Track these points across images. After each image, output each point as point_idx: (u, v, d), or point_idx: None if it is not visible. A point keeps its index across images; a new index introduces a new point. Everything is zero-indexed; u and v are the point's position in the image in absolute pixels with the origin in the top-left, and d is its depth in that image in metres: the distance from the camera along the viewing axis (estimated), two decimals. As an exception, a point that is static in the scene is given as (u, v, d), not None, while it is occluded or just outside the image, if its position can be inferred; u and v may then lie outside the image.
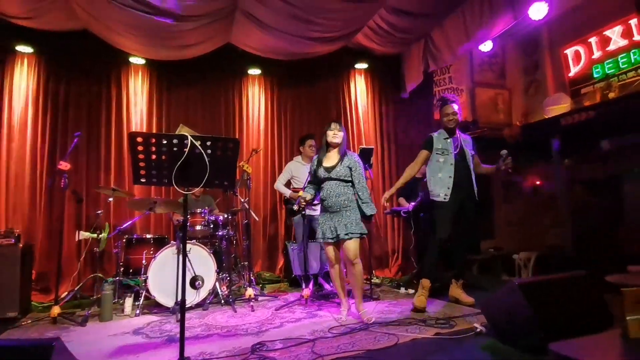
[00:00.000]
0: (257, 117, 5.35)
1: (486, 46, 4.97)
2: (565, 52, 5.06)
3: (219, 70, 5.13)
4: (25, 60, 4.45)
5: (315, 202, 4.20)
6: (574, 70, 4.98)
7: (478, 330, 2.46)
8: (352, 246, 2.85)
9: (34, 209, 4.24)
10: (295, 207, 3.32)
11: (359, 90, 5.65)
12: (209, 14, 3.86)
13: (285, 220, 5.16)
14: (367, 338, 2.46)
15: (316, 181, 3.10)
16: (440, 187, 3.22)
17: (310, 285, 3.80)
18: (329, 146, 3.04)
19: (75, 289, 3.78)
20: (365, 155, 3.83)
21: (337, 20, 4.24)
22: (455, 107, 3.33)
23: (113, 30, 4.10)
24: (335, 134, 3.01)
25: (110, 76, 4.75)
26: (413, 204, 4.24)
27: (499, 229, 6.35)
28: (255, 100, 5.37)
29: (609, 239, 4.13)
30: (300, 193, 3.93)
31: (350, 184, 2.98)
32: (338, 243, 2.94)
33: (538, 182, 6.32)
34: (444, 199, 3.19)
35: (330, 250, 2.98)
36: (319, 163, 3.04)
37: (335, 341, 2.42)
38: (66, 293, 3.86)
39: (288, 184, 4.43)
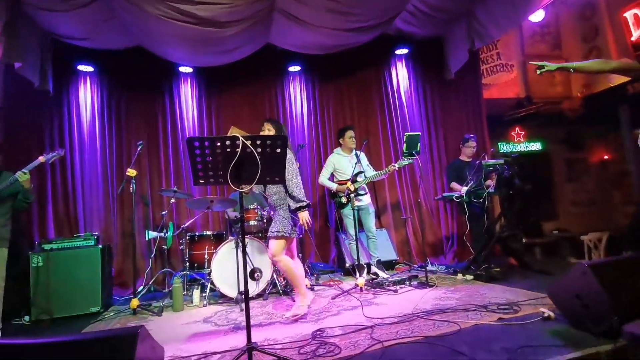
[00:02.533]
0: (301, 113, 5.45)
1: (537, 16, 4.61)
2: (624, 15, 4.59)
3: (260, 70, 5.29)
4: (88, 78, 4.90)
5: (361, 192, 4.23)
6: (635, 34, 4.50)
7: (546, 315, 2.36)
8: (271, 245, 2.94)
9: (109, 213, 4.69)
10: (344, 200, 3.36)
11: (401, 76, 5.54)
12: (248, 17, 3.99)
13: (334, 212, 5.24)
14: (426, 324, 2.46)
15: None
16: None
17: (364, 274, 3.84)
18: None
19: (150, 283, 4.16)
20: (412, 142, 3.77)
21: (374, 9, 4.19)
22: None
23: (163, 43, 4.38)
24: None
25: (163, 86, 5.09)
26: (465, 188, 4.10)
27: (563, 209, 5.96)
28: (297, 97, 5.47)
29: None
30: (347, 185, 3.99)
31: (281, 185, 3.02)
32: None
33: (606, 157, 5.82)
34: None
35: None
36: None
37: (394, 327, 2.44)
38: (142, 287, 4.24)
39: (332, 178, 4.48)
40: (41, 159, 3.16)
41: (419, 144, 3.82)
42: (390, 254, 4.77)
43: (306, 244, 5.08)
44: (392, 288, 3.54)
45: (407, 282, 3.76)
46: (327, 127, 5.45)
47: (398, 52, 5.48)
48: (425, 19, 4.65)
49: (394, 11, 4.44)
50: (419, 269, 4.62)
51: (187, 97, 5.20)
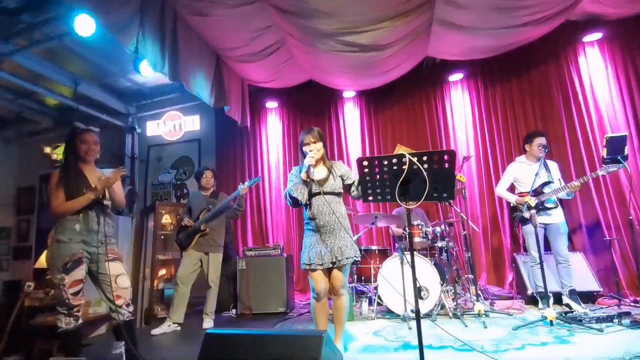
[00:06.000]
0: (464, 123, 5.14)
1: None
2: None
3: (419, 84, 5.27)
4: (273, 112, 5.87)
5: (549, 205, 3.60)
6: None
7: None
8: (345, 273, 2.52)
9: (290, 227, 5.43)
10: (527, 215, 2.94)
11: (592, 67, 4.58)
12: (407, 35, 4.05)
13: (511, 230, 4.66)
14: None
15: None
16: None
17: (551, 305, 3.26)
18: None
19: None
20: (616, 145, 3.06)
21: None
22: None
23: (329, 74, 4.88)
24: (313, 149, 2.56)
25: (330, 111, 5.65)
26: None
27: None
28: (459, 106, 5.19)
29: None
30: (527, 199, 3.51)
31: (341, 198, 2.60)
32: (327, 270, 2.52)
33: None
34: None
35: (319, 278, 2.51)
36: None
37: (603, 376, 1.99)
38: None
39: (512, 190, 3.98)
40: (247, 184, 3.89)
41: (625, 147, 3.06)
42: (589, 284, 3.88)
43: (477, 264, 4.68)
44: (594, 326, 2.89)
45: (617, 321, 2.99)
46: (495, 136, 4.95)
47: (587, 38, 4.56)
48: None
49: (578, -7, 3.76)
50: (634, 304, 3.63)
51: (350, 118, 5.61)
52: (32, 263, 4.69)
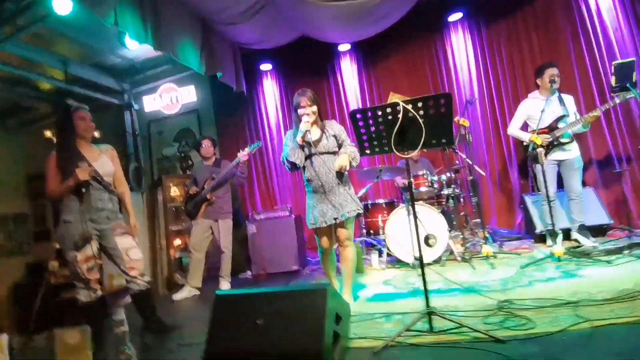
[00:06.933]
0: (467, 66, 4.93)
1: None
2: None
3: (416, 30, 5.02)
4: (269, 75, 5.73)
5: (564, 140, 3.45)
6: None
7: None
8: (349, 227, 2.58)
9: (296, 188, 5.47)
10: (540, 150, 2.83)
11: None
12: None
13: (519, 171, 4.59)
14: (658, 304, 1.92)
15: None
16: None
17: (559, 241, 3.26)
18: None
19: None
20: (624, 71, 2.91)
21: None
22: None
23: (321, 28, 4.66)
24: (308, 112, 2.55)
25: (326, 67, 5.48)
26: None
27: None
28: (462, 48, 4.95)
29: None
30: (533, 137, 3.40)
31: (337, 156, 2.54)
32: (331, 226, 2.55)
33: None
34: None
35: (324, 235, 2.64)
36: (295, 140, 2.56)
37: (607, 306, 2.00)
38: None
39: (525, 128, 3.77)
40: (247, 150, 3.86)
41: (634, 74, 2.90)
42: (600, 217, 3.83)
43: (485, 207, 4.68)
44: (603, 258, 2.90)
45: (626, 252, 2.99)
46: (500, 76, 4.75)
47: (596, -42, 4.20)
48: None
49: None
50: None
51: (348, 73, 5.43)
52: (52, 245, 4.92)
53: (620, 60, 2.93)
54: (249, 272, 4.51)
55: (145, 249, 4.84)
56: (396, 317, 2.34)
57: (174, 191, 5.02)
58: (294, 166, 2.60)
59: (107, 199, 2.54)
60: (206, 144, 4.08)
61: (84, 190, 2.37)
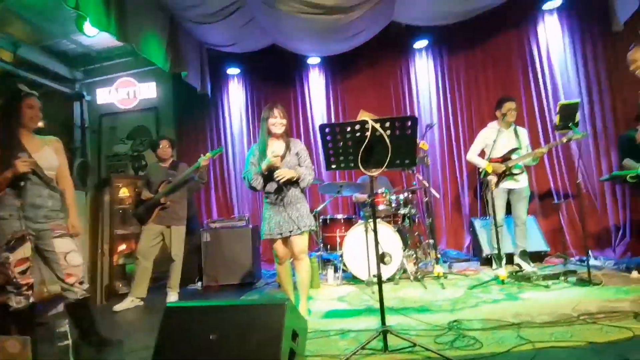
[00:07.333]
0: (428, 91, 5.17)
1: None
2: None
3: (384, 52, 5.21)
4: (235, 79, 5.62)
5: (516, 171, 3.70)
6: None
7: None
8: (301, 241, 2.66)
9: (255, 198, 5.35)
10: (495, 179, 3.00)
11: (551, 34, 4.67)
12: (373, -4, 3.92)
13: (470, 195, 4.85)
14: (591, 329, 2.08)
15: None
16: None
17: (504, 264, 3.47)
18: (270, 135, 2.70)
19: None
20: (568, 112, 3.17)
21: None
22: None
23: (293, 38, 4.68)
24: (278, 123, 2.67)
25: (294, 78, 5.48)
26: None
27: None
28: (424, 73, 5.20)
29: None
30: (486, 165, 3.61)
31: None
32: (286, 238, 2.68)
33: None
34: None
35: (279, 246, 2.75)
36: (262, 152, 2.66)
37: (548, 329, 2.14)
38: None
39: (482, 155, 3.99)
40: (208, 155, 3.70)
41: (577, 114, 3.19)
42: (539, 244, 4.15)
43: (437, 228, 4.86)
44: (542, 283, 3.11)
45: (562, 278, 3.23)
46: (457, 103, 5.03)
47: (547, 6, 4.61)
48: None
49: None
50: (578, 263, 3.93)
51: (315, 85, 5.48)
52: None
53: (565, 101, 3.21)
54: (199, 283, 4.30)
55: (85, 254, 4.46)
56: (351, 335, 2.32)
57: (123, 192, 4.70)
58: (253, 189, 2.71)
59: (47, 196, 2.31)
60: (164, 145, 3.88)
61: (22, 184, 2.14)
